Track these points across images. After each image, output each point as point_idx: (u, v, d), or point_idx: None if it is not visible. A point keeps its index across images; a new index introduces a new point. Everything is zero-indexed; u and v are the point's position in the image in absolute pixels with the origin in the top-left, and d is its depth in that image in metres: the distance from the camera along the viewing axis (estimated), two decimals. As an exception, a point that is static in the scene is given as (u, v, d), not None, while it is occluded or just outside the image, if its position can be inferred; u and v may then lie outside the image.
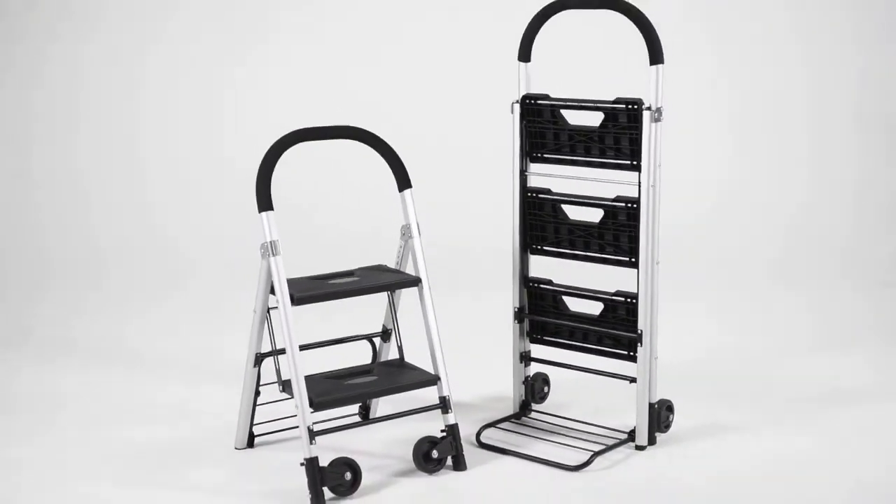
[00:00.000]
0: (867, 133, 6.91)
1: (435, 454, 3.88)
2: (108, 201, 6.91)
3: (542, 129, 4.14)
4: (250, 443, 4.12)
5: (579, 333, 4.22)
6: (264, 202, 3.74)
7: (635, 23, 3.91)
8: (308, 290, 3.85)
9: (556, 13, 4.11)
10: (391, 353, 4.23)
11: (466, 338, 5.09)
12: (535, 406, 4.40)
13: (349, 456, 3.77)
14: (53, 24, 7.02)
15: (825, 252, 6.46)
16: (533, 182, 4.22)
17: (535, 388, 4.41)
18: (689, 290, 6.01)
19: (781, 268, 6.39)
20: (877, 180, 6.86)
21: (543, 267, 4.31)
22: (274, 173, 3.78)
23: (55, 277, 6.36)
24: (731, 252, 6.56)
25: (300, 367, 3.71)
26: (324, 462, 3.68)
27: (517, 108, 4.15)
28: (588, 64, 6.57)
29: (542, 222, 4.20)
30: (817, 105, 6.94)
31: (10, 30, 6.98)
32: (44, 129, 7.01)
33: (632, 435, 4.09)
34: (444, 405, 3.89)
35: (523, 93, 4.17)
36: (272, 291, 3.82)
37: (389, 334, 4.22)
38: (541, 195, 4.18)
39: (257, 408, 4.09)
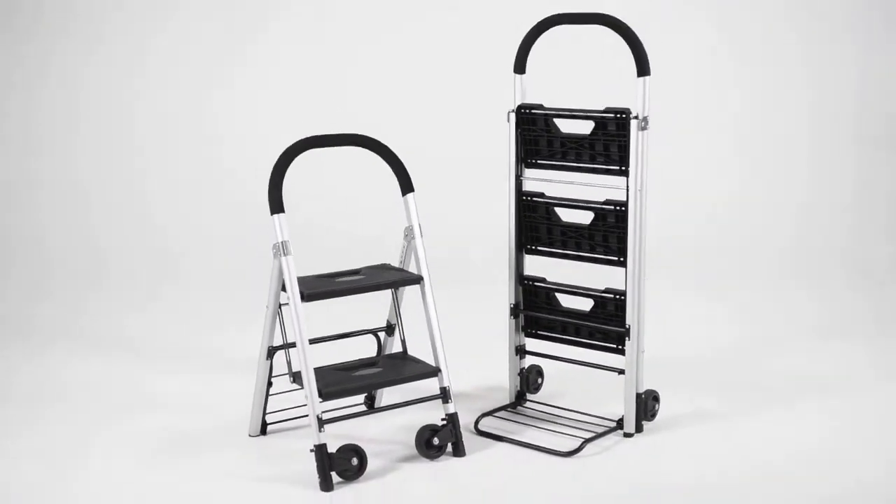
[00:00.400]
0: (867, 134, 6.89)
1: (436, 441, 3.98)
2: (107, 202, 6.91)
3: (537, 137, 4.22)
4: (263, 430, 4.20)
5: (571, 328, 4.28)
6: (276, 205, 3.83)
7: (623, 37, 4.00)
8: (317, 288, 3.93)
9: (549, 28, 4.18)
10: (395, 347, 4.31)
11: (465, 332, 5.12)
12: (529, 396, 4.48)
13: (356, 443, 3.86)
14: (56, 25, 7.00)
15: (824, 251, 6.48)
16: (528, 186, 4.28)
17: (529, 380, 4.49)
18: (683, 288, 6.06)
19: (777, 266, 6.41)
20: (877, 181, 6.86)
21: (538, 266, 4.40)
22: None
23: (56, 277, 6.37)
24: (728, 251, 6.57)
25: (310, 359, 3.80)
26: (332, 448, 3.78)
27: (513, 117, 4.23)
28: (580, 75, 6.57)
29: (536, 224, 4.28)
30: (818, 106, 6.92)
31: (12, 33, 6.98)
32: (45, 132, 7.01)
33: (620, 423, 4.18)
34: (444, 395, 3.98)
35: (519, 103, 4.24)
36: (283, 289, 3.87)
37: (393, 329, 4.31)
38: (535, 198, 4.26)
39: (269, 397, 4.16)
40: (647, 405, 4.23)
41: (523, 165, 4.29)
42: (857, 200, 6.84)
